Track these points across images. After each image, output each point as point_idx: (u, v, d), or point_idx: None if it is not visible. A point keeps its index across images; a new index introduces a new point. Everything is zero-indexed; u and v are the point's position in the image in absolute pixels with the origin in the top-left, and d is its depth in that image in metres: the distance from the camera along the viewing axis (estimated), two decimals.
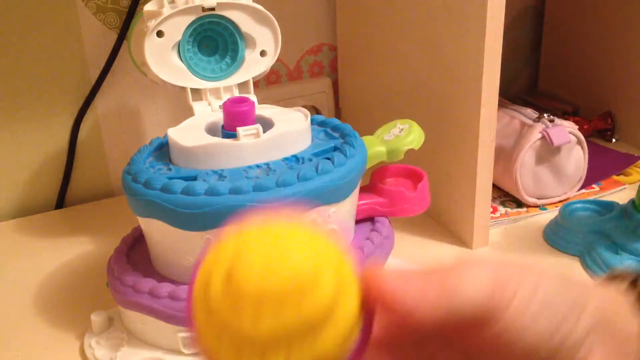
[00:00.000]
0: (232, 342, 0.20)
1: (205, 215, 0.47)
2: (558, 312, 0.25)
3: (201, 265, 0.21)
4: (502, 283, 0.25)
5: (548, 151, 0.73)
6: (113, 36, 0.77)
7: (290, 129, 0.52)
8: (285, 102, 0.85)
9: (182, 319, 0.49)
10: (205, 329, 0.20)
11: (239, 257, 0.20)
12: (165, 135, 0.54)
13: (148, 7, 0.58)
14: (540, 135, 0.72)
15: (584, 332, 0.26)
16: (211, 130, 0.54)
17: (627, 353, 0.26)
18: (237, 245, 0.21)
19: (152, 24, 0.56)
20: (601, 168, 0.82)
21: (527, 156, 0.73)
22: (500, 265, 0.26)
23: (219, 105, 0.58)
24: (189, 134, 0.52)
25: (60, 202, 0.81)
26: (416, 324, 0.24)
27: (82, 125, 0.80)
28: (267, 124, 0.53)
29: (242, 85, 0.62)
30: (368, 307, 0.23)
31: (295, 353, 0.19)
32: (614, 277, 0.30)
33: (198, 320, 0.20)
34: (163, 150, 0.56)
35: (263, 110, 0.56)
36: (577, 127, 0.75)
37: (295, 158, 0.51)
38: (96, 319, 0.54)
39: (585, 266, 0.63)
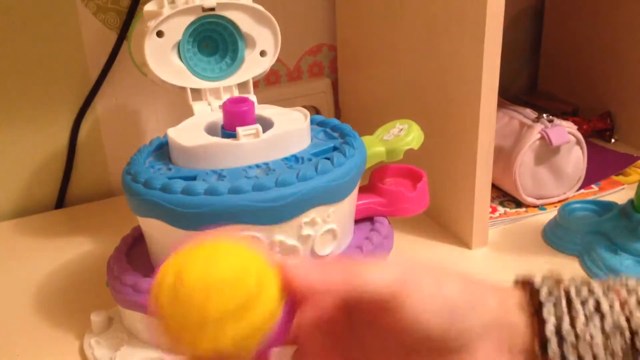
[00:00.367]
0: (178, 326, 0.26)
1: (205, 214, 0.47)
2: (457, 310, 0.29)
3: (159, 270, 0.27)
4: (406, 278, 0.29)
5: (547, 151, 0.73)
6: (113, 36, 0.78)
7: (289, 129, 0.52)
8: (285, 102, 0.85)
9: None
10: (164, 317, 0.27)
11: (183, 265, 0.26)
12: (165, 135, 0.54)
13: (148, 7, 0.58)
14: (539, 136, 0.72)
15: (479, 329, 0.30)
16: (211, 130, 0.54)
17: (514, 346, 0.30)
18: (182, 256, 0.27)
19: (152, 24, 0.56)
20: (600, 168, 0.82)
21: (526, 156, 0.73)
22: (409, 264, 0.30)
23: (219, 105, 0.58)
24: (189, 134, 0.53)
25: (60, 202, 0.81)
26: (322, 301, 0.29)
27: (82, 125, 0.80)
28: (266, 124, 0.53)
29: (242, 85, 0.62)
30: (287, 294, 0.28)
31: (228, 330, 0.26)
32: (522, 281, 0.32)
33: (157, 311, 0.27)
34: (163, 150, 0.56)
35: (263, 110, 0.56)
36: (576, 127, 0.75)
37: (295, 158, 0.51)
38: (96, 318, 0.54)
39: (585, 266, 0.63)
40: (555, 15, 1.00)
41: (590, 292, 0.31)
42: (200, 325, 0.25)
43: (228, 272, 0.26)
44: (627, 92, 0.90)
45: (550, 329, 0.30)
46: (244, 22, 0.60)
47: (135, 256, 0.56)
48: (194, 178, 0.49)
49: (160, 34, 0.57)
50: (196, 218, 0.47)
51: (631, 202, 0.63)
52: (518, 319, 0.31)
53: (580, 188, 0.77)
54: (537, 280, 0.32)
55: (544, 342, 0.30)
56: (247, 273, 0.26)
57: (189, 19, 0.58)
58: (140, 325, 0.52)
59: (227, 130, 0.52)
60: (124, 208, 0.54)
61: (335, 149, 0.53)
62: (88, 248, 0.70)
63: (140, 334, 0.52)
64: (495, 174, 0.67)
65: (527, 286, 0.32)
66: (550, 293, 0.31)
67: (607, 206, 0.68)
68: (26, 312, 0.60)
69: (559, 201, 0.75)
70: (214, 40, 0.61)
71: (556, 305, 0.30)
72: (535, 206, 0.75)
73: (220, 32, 0.60)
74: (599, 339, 0.29)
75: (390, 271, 0.29)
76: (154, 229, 0.51)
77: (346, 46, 0.87)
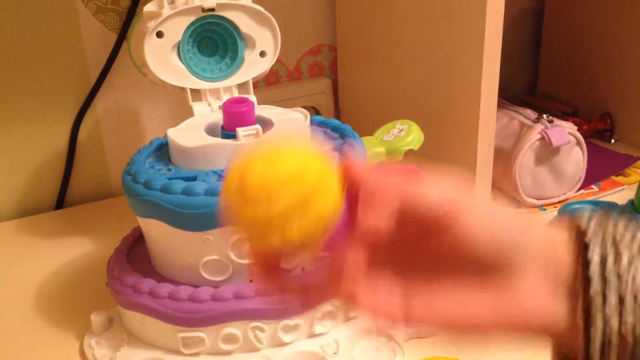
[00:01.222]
0: (247, 224, 0.28)
1: (205, 215, 0.47)
2: (508, 235, 0.30)
3: (225, 175, 0.29)
4: (462, 198, 0.30)
5: (547, 152, 0.73)
6: (113, 37, 0.78)
7: (289, 129, 0.52)
8: (285, 102, 0.85)
9: (182, 319, 0.49)
10: (233, 217, 0.28)
11: (246, 167, 0.28)
12: (165, 136, 0.54)
13: (148, 8, 0.58)
14: (539, 136, 0.72)
15: (526, 257, 0.31)
16: (211, 130, 0.54)
17: (557, 279, 0.31)
18: (245, 159, 0.28)
19: (152, 24, 0.56)
20: (600, 169, 0.82)
21: (526, 157, 0.73)
22: (464, 187, 0.31)
23: (219, 106, 0.58)
24: (189, 134, 0.53)
25: (60, 203, 0.81)
26: (379, 204, 0.29)
27: (82, 126, 0.80)
28: (266, 125, 0.53)
29: (242, 86, 0.62)
30: (348, 189, 0.29)
31: (292, 224, 0.27)
32: (569, 220, 0.33)
33: (227, 213, 0.28)
34: (163, 150, 0.56)
35: (263, 110, 0.56)
36: (576, 127, 0.75)
37: None
38: (96, 319, 0.54)
39: None
40: (555, 15, 1.00)
41: (635, 234, 0.31)
42: (266, 222, 0.27)
43: (288, 169, 0.27)
44: (627, 92, 0.90)
45: (593, 268, 0.30)
46: (243, 23, 0.60)
47: (135, 257, 0.56)
48: (194, 179, 0.49)
49: (160, 34, 0.57)
50: (196, 218, 0.47)
51: (631, 202, 0.63)
52: (564, 255, 0.31)
53: (580, 189, 0.77)
54: (584, 220, 0.32)
55: (586, 281, 0.30)
56: (307, 169, 0.28)
57: (189, 19, 0.58)
58: (141, 325, 0.52)
59: (227, 131, 0.52)
60: (124, 208, 0.54)
61: (335, 149, 0.53)
62: (88, 248, 0.70)
63: (140, 334, 0.52)
64: (495, 175, 0.67)
65: (574, 225, 0.32)
66: (596, 233, 0.31)
67: (607, 207, 0.68)
68: (26, 313, 0.60)
69: (559, 202, 0.75)
70: (213, 40, 0.61)
71: (601, 245, 0.31)
72: (535, 207, 0.75)
73: (220, 32, 0.60)
74: None
75: (447, 188, 0.30)
76: (154, 229, 0.51)
77: (346, 46, 0.87)
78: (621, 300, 0.29)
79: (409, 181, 0.30)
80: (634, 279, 0.30)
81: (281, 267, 0.30)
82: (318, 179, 0.28)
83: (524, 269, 0.31)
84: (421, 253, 0.32)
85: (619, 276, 0.30)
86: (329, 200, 0.28)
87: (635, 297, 0.29)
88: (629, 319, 0.29)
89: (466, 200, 0.30)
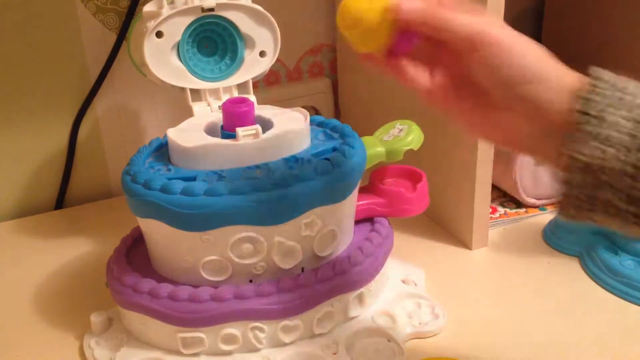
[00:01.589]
0: (345, 33, 0.43)
1: (205, 215, 0.47)
2: (521, 70, 0.36)
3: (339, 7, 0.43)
4: (489, 30, 0.36)
5: None
6: (112, 37, 0.78)
7: (289, 129, 0.52)
8: (285, 102, 0.85)
9: (182, 319, 0.49)
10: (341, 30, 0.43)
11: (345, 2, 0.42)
12: (165, 136, 0.54)
13: (147, 8, 0.58)
14: None
15: (531, 88, 0.36)
16: (210, 130, 0.54)
17: (543, 120, 0.36)
18: None
19: (151, 24, 0.56)
20: None
21: (526, 157, 0.73)
22: (496, 22, 0.37)
23: (219, 106, 0.58)
24: (189, 134, 0.53)
25: (60, 203, 0.81)
26: (411, 24, 0.38)
27: (81, 126, 0.80)
28: (266, 125, 0.53)
29: (242, 86, 0.62)
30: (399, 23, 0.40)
31: (370, 39, 0.41)
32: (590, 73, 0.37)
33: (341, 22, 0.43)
34: (162, 150, 0.56)
35: (262, 110, 0.56)
36: None
37: (295, 158, 0.51)
38: (96, 319, 0.54)
39: (585, 267, 0.63)
40: (555, 15, 1.00)
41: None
42: (355, 36, 0.42)
43: (364, 6, 0.41)
44: None
45: (590, 108, 0.34)
46: (243, 23, 0.60)
47: (135, 257, 0.56)
48: (193, 179, 0.49)
49: (159, 34, 0.57)
50: (196, 219, 0.47)
51: None
52: (563, 103, 0.36)
53: None
54: (598, 76, 0.36)
55: (580, 121, 0.34)
56: (375, 6, 0.40)
57: (189, 19, 0.58)
58: (140, 325, 0.52)
59: (227, 131, 0.52)
60: (123, 209, 0.54)
61: (335, 149, 0.53)
62: (88, 249, 0.70)
63: (140, 335, 0.52)
64: (495, 175, 0.67)
65: (590, 75, 0.37)
66: (604, 85, 0.35)
67: None
68: (26, 313, 0.60)
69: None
70: (213, 40, 0.61)
71: (606, 96, 0.35)
72: (535, 207, 0.75)
73: (219, 32, 0.60)
74: (625, 127, 0.34)
75: (477, 20, 0.36)
76: (154, 229, 0.51)
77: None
78: (606, 139, 0.34)
79: (436, 11, 0.37)
80: (618, 129, 0.34)
81: (375, 58, 0.42)
82: (380, 13, 0.40)
83: (520, 103, 0.36)
84: (458, 69, 0.39)
85: (610, 122, 0.34)
86: (387, 26, 0.40)
87: (618, 144, 0.33)
88: (609, 152, 0.34)
89: (494, 27, 0.36)
